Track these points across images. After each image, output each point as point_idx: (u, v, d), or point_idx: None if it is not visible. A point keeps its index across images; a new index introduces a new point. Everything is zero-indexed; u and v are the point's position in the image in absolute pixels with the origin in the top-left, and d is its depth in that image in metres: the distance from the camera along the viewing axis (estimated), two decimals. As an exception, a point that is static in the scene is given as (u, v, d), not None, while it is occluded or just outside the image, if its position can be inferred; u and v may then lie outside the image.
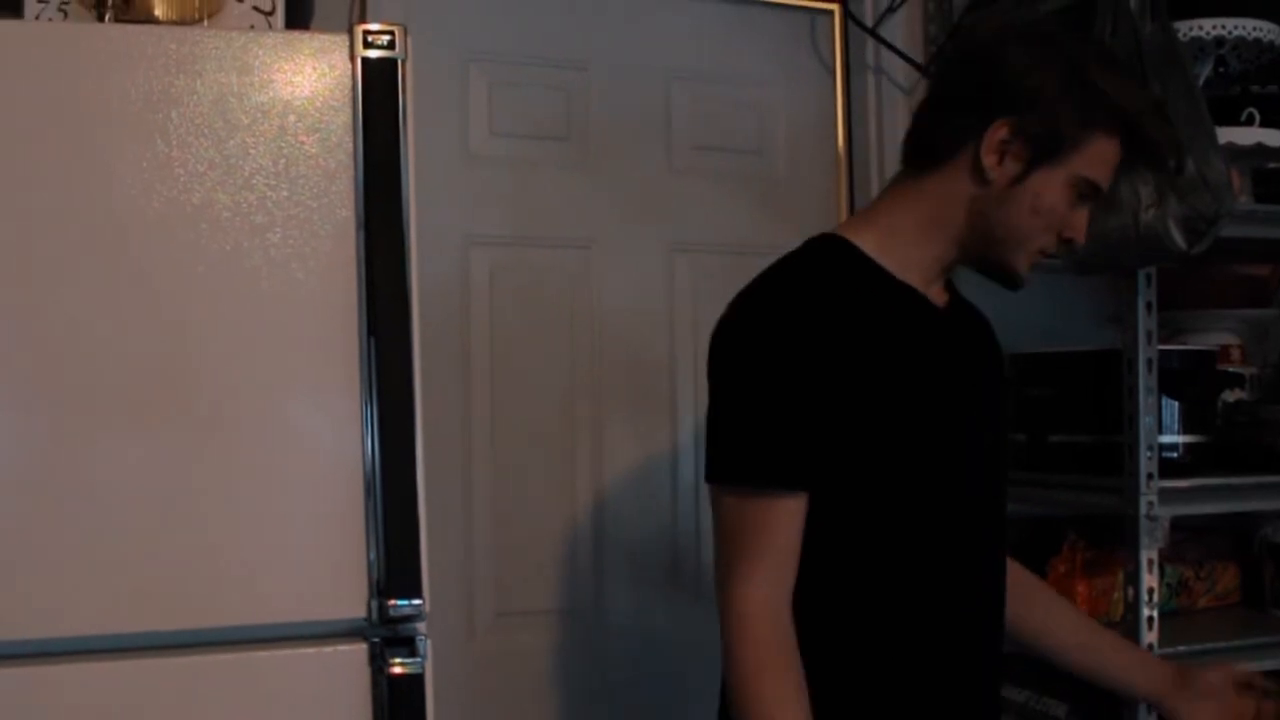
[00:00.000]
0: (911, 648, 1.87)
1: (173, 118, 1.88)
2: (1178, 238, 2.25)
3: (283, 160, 1.92)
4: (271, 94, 1.92)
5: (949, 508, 1.89)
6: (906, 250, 1.89)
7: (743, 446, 1.80)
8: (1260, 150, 2.53)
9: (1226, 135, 2.40)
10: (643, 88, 3.11)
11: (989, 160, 1.81)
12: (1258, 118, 2.54)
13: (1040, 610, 2.20)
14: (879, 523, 1.84)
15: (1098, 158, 1.84)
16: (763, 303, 1.83)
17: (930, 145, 1.89)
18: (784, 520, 1.80)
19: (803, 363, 1.76)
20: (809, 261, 1.88)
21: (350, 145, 1.94)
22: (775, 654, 1.78)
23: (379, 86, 1.95)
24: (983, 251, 1.89)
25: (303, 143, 1.93)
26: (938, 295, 1.95)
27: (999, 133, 1.80)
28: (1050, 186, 1.82)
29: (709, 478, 1.85)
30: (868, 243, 1.88)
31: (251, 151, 1.91)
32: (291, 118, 1.92)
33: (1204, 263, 2.39)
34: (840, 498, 1.81)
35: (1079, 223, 1.88)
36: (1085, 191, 1.85)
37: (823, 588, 1.83)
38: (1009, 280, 1.90)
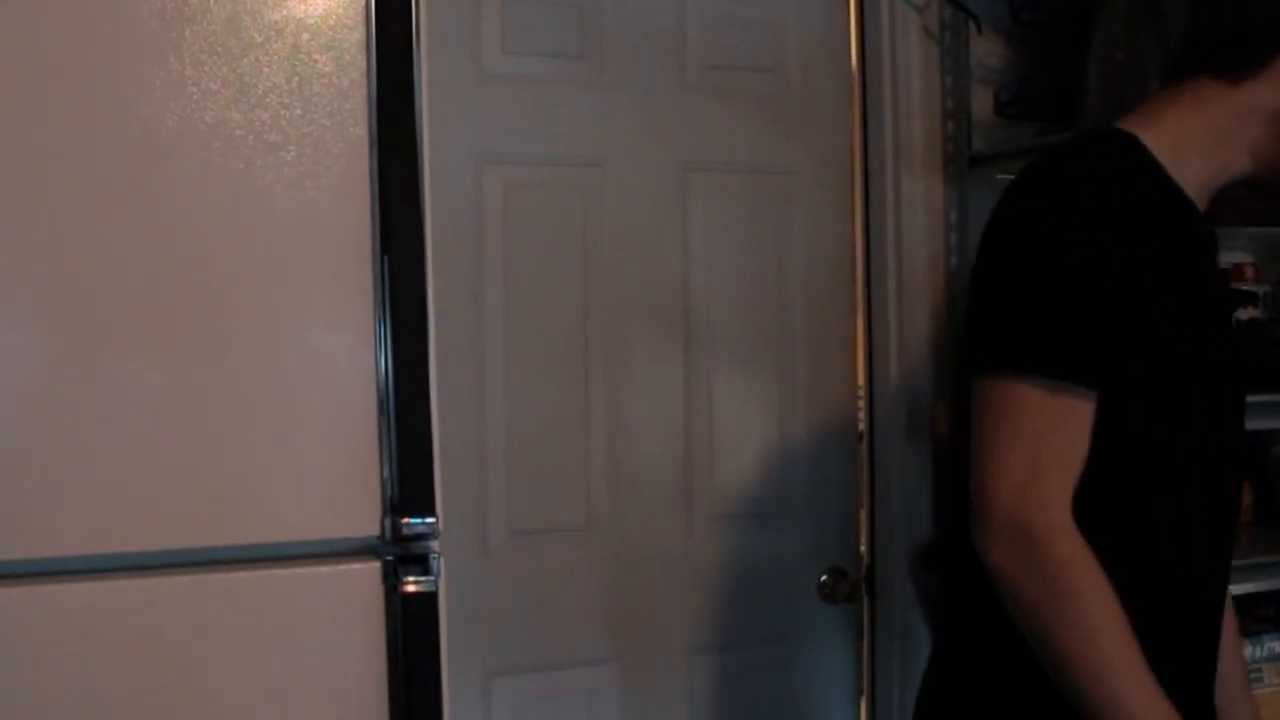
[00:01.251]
0: (1176, 564, 1.79)
1: (186, 35, 1.87)
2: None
3: (296, 78, 1.91)
4: (285, 12, 1.91)
5: (1216, 438, 1.82)
6: (1194, 161, 1.79)
7: (1053, 334, 1.66)
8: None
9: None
10: (657, 4, 3.08)
11: None
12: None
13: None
14: (1158, 439, 1.74)
15: None
16: (1074, 183, 1.72)
17: (1245, 50, 1.79)
18: (1083, 424, 1.67)
19: (1120, 252, 1.65)
20: (1114, 150, 1.77)
21: (363, 63, 1.93)
22: (1093, 573, 1.64)
23: (392, 3, 1.93)
24: None
25: (316, 61, 1.92)
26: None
27: None
28: None
29: (993, 366, 1.70)
30: (1161, 148, 1.77)
31: (265, 70, 1.90)
32: (305, 36, 1.92)
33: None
34: (1124, 407, 1.69)
35: None
36: None
37: (1095, 507, 1.69)
38: None
